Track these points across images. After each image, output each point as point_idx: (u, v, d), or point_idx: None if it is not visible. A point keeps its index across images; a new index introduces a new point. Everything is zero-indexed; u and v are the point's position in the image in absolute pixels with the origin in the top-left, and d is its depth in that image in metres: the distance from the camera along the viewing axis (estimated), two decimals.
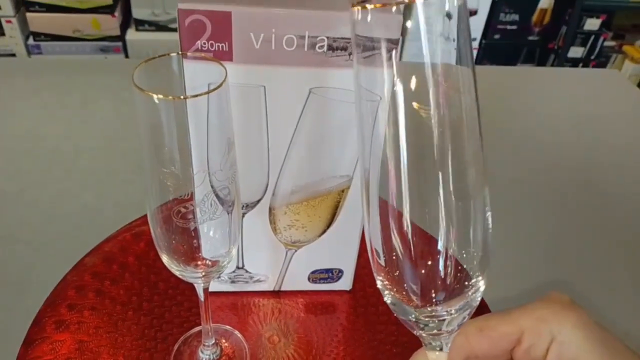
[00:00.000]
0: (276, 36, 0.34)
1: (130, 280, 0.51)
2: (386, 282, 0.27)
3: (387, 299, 0.28)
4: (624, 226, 0.66)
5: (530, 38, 2.13)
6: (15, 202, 0.61)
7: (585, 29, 2.10)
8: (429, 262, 0.26)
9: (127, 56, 1.88)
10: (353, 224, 0.45)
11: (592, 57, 2.18)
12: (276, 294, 0.51)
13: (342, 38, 0.35)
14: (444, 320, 0.27)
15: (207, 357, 0.44)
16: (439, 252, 0.25)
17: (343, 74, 0.36)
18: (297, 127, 0.39)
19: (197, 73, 0.33)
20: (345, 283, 0.51)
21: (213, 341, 0.44)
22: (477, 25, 2.03)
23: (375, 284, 0.28)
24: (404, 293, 0.27)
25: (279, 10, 0.33)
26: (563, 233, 0.64)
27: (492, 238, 0.26)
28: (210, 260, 0.36)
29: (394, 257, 0.26)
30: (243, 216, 0.44)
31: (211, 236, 0.35)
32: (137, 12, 1.83)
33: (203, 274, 0.36)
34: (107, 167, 0.67)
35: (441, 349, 0.28)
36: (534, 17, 2.08)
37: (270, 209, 0.44)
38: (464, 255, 0.26)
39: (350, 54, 0.35)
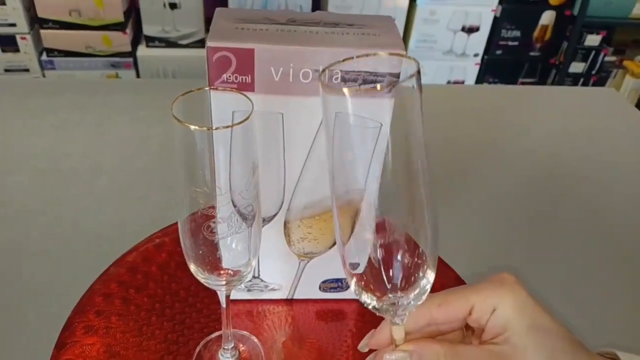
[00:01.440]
0: (294, 70, 0.38)
1: (154, 289, 0.54)
2: (358, 283, 0.34)
3: (364, 300, 0.34)
4: (608, 235, 0.69)
5: (532, 54, 2.18)
6: (40, 218, 0.65)
7: (586, 44, 2.14)
8: (393, 264, 0.33)
9: (137, 71, 1.93)
10: (362, 235, 0.49)
11: (593, 72, 2.22)
12: (289, 302, 0.55)
13: (353, 71, 0.39)
14: (405, 304, 0.34)
15: (227, 359, 0.47)
16: (398, 258, 0.33)
17: (354, 103, 0.40)
18: (310, 149, 0.43)
19: (223, 102, 0.37)
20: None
21: (232, 345, 0.47)
22: (479, 41, 2.07)
23: None
24: (371, 289, 0.34)
25: (296, 47, 0.37)
26: (550, 236, 0.67)
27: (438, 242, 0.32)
28: (232, 270, 0.40)
29: (366, 263, 0.33)
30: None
31: (233, 248, 0.38)
32: (148, 29, 1.88)
33: (225, 282, 0.39)
34: (125, 184, 0.71)
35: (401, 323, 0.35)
36: (535, 33, 2.13)
37: (285, 223, 0.48)
38: (416, 259, 0.33)
39: (360, 84, 0.39)
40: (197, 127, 0.30)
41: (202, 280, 0.39)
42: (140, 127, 0.83)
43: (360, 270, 0.34)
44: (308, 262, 0.51)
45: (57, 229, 0.63)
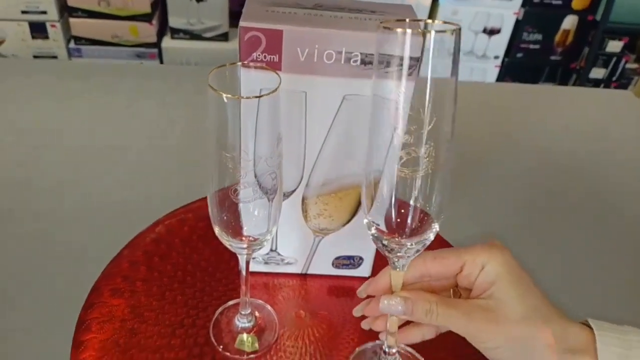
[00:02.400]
0: (318, 51, 0.41)
1: (176, 258, 0.58)
2: (373, 222, 0.39)
3: (371, 231, 0.40)
4: (617, 227, 0.71)
5: (553, 58, 2.18)
6: (74, 191, 0.69)
7: (608, 50, 2.14)
8: (403, 212, 0.38)
9: (161, 62, 1.98)
10: None
11: (614, 79, 2.22)
12: (303, 276, 0.58)
13: (373, 54, 0.41)
14: (405, 247, 0.39)
15: (243, 324, 0.50)
16: (410, 207, 0.38)
17: (373, 84, 0.42)
18: (330, 128, 0.46)
19: (252, 78, 0.40)
20: (365, 269, 0.57)
21: (249, 310, 0.50)
22: (500, 43, 2.08)
23: None
24: (384, 230, 0.39)
25: (322, 30, 0.40)
26: (559, 229, 0.69)
27: (445, 201, 0.38)
28: (252, 237, 0.43)
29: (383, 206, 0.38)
30: None
31: (255, 215, 0.41)
32: (173, 21, 1.93)
33: (246, 246, 0.42)
34: (152, 162, 0.74)
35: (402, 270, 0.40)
36: (557, 38, 2.13)
37: (303, 199, 0.51)
38: (428, 209, 0.38)
39: (380, 66, 0.42)
40: (229, 96, 0.33)
41: (225, 243, 0.42)
42: (166, 110, 0.86)
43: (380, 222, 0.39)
44: (322, 238, 0.54)
45: (88, 200, 0.67)
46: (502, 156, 0.81)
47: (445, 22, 0.34)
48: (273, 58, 0.41)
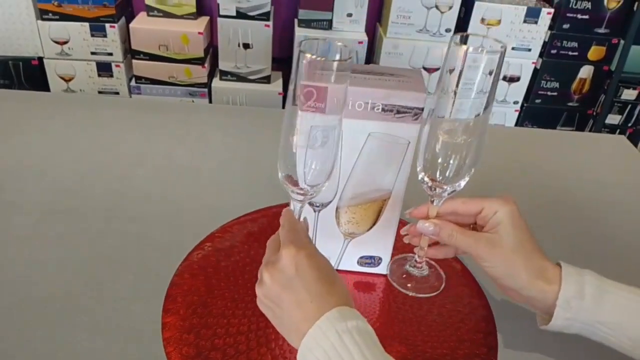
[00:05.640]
0: (352, 102, 0.59)
1: (238, 252, 0.75)
2: (425, 176, 0.59)
3: (423, 178, 0.60)
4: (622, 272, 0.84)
5: (570, 104, 2.33)
6: (159, 200, 0.87)
7: (623, 98, 2.28)
8: (446, 168, 0.58)
9: (210, 100, 2.21)
10: (391, 224, 0.68)
11: (630, 125, 2.34)
12: None
13: (390, 104, 0.59)
14: (444, 190, 0.58)
15: None
16: (450, 164, 0.57)
17: (390, 126, 0.60)
18: (359, 156, 0.63)
19: (306, 118, 0.58)
20: (383, 268, 0.74)
21: None
22: (520, 90, 2.25)
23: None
24: (431, 179, 0.59)
25: (355, 87, 0.58)
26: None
27: (481, 156, 0.56)
28: (308, 186, 0.57)
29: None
30: (318, 212, 0.68)
31: (313, 168, 0.55)
32: (223, 65, 2.16)
33: (301, 197, 0.56)
34: (220, 179, 0.93)
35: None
36: (574, 86, 2.28)
37: (336, 209, 0.68)
38: (461, 165, 0.57)
39: (395, 114, 0.60)
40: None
41: (288, 191, 0.56)
42: (229, 140, 1.06)
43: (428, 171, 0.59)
44: (350, 240, 0.71)
45: (170, 207, 0.85)
46: (515, 187, 0.97)
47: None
48: (320, 105, 0.59)
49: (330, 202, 0.67)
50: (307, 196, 0.57)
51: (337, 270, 0.74)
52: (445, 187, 0.57)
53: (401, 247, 0.70)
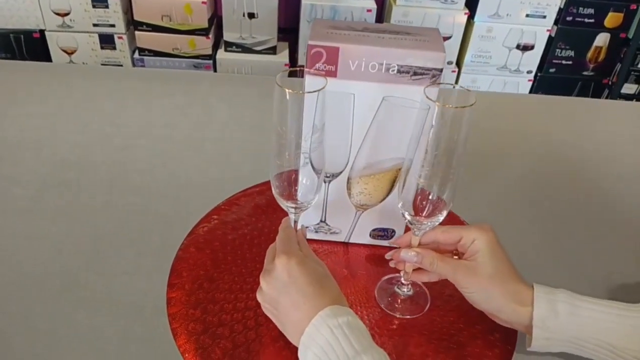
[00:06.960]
0: (365, 63, 0.55)
1: (245, 226, 0.72)
2: (405, 209, 0.57)
3: (405, 215, 0.58)
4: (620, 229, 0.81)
5: (585, 73, 2.25)
6: (162, 171, 0.84)
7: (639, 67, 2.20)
8: (424, 202, 0.56)
9: (215, 72, 2.16)
10: None
11: None
12: (346, 244, 0.71)
13: (406, 65, 0.55)
14: (423, 224, 0.57)
15: None
16: (428, 197, 0.56)
17: (406, 89, 0.56)
18: (372, 122, 0.59)
19: (312, 82, 0.54)
20: None
21: None
22: (533, 59, 2.17)
23: None
24: (412, 213, 0.57)
25: (367, 47, 0.54)
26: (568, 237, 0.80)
27: (455, 194, 0.54)
28: (300, 202, 0.57)
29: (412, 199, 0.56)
30: (329, 183, 0.64)
31: (304, 184, 0.55)
32: (228, 36, 2.11)
33: (295, 208, 0.58)
34: (225, 151, 0.90)
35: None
36: (589, 54, 2.21)
37: (348, 179, 0.64)
38: (439, 199, 0.55)
39: (412, 75, 0.55)
40: (291, 91, 0.48)
41: (282, 206, 0.57)
42: (233, 110, 1.02)
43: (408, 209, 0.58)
44: (362, 212, 0.67)
45: (174, 179, 0.82)
46: (516, 156, 0.92)
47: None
48: (331, 68, 0.55)
49: (341, 172, 0.64)
50: (300, 209, 0.59)
51: (349, 243, 0.71)
52: (424, 222, 0.57)
53: None
